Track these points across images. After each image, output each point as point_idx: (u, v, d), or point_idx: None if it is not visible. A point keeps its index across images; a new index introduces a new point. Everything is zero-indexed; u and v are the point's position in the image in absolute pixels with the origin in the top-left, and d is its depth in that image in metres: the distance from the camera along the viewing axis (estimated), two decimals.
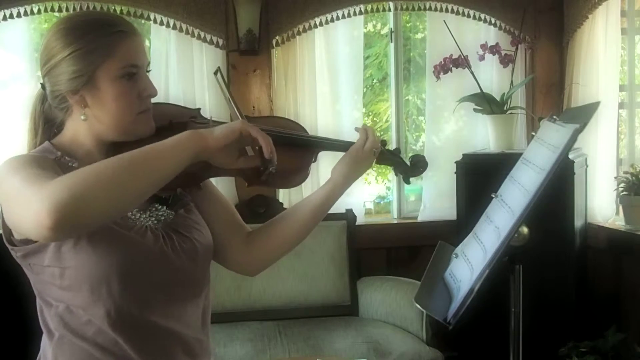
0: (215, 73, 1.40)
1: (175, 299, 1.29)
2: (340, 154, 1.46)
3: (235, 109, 1.37)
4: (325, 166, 3.45)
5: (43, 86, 1.29)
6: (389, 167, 1.58)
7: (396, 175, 1.57)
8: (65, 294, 1.22)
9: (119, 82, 1.23)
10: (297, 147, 1.41)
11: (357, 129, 1.46)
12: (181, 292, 1.30)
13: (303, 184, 1.49)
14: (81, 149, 1.28)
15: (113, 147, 1.30)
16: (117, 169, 1.06)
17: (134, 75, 1.25)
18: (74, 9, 3.46)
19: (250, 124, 1.20)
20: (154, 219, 1.30)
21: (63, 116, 1.28)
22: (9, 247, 1.23)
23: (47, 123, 1.31)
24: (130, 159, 1.08)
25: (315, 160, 1.44)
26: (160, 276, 1.26)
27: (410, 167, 1.55)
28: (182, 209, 1.35)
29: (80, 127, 1.27)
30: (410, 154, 4.11)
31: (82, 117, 1.25)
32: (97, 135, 1.27)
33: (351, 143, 1.45)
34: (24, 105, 3.58)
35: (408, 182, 1.58)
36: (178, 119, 1.34)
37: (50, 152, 1.25)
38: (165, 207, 1.32)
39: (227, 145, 1.17)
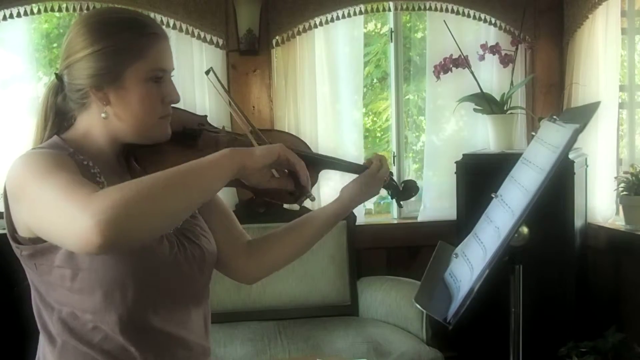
0: (207, 73, 1.39)
1: (181, 306, 1.28)
2: (343, 173, 1.48)
3: (237, 109, 1.37)
4: (326, 183, 3.46)
5: (59, 78, 1.25)
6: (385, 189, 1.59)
7: (391, 198, 1.60)
8: (73, 297, 1.19)
9: (146, 84, 1.22)
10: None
11: (370, 160, 1.46)
12: (187, 298, 1.30)
13: None
14: (93, 146, 1.25)
15: (127, 149, 1.29)
16: (169, 185, 1.03)
17: (160, 79, 1.24)
18: (74, 9, 3.46)
19: (288, 149, 1.21)
20: None
21: (77, 111, 1.25)
22: (14, 244, 1.20)
23: (58, 116, 1.28)
24: (180, 174, 1.06)
25: (316, 180, 1.45)
26: (171, 283, 1.25)
27: (401, 192, 1.58)
28: None
29: (96, 125, 1.24)
30: (410, 154, 4.13)
31: (103, 115, 1.22)
32: (113, 134, 1.25)
33: (357, 165, 1.47)
34: (24, 105, 3.60)
35: (400, 206, 1.61)
36: (190, 126, 1.35)
37: (61, 148, 1.22)
38: None
39: (263, 166, 1.18)
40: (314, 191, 1.44)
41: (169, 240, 1.25)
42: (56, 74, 1.27)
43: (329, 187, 3.48)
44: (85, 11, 3.42)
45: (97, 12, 1.29)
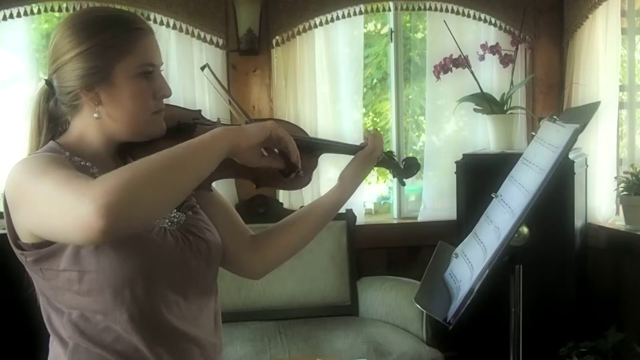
0: (203, 69, 1.39)
1: (191, 302, 1.28)
2: (340, 156, 1.48)
3: (235, 104, 1.37)
4: (325, 172, 3.47)
5: (49, 83, 1.25)
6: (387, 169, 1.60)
7: (393, 176, 1.61)
8: (82, 300, 1.18)
9: (136, 80, 1.21)
10: (301, 150, 1.42)
11: (366, 138, 1.47)
12: (196, 294, 1.29)
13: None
14: (89, 149, 1.24)
15: (122, 148, 1.28)
16: (164, 165, 1.04)
17: (150, 74, 1.23)
18: (74, 9, 3.46)
19: (279, 126, 1.22)
20: (167, 221, 1.28)
21: (70, 114, 1.25)
22: (18, 252, 1.19)
23: (51, 121, 1.27)
24: (174, 155, 1.06)
25: (317, 164, 1.46)
26: (179, 278, 1.25)
27: (403, 170, 1.59)
28: (189, 210, 1.34)
29: (90, 126, 1.24)
30: (410, 154, 4.13)
31: (95, 115, 1.21)
32: (108, 134, 1.24)
33: (354, 146, 1.47)
34: (24, 106, 3.60)
35: (403, 184, 1.63)
36: (184, 121, 1.34)
37: (58, 152, 1.21)
38: (175, 209, 1.32)
39: (256, 144, 1.18)
40: (315, 175, 1.45)
41: (173, 236, 1.25)
42: (46, 80, 1.26)
43: (328, 180, 3.49)
44: None
45: (80, 13, 1.28)
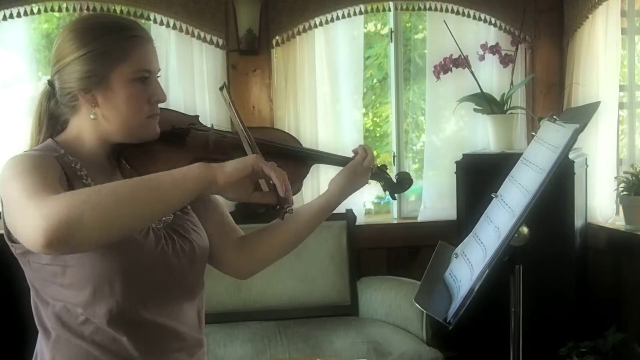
0: (221, 89, 1.40)
1: (173, 299, 1.31)
2: (335, 168, 1.50)
3: (242, 126, 1.35)
4: (325, 173, 3.47)
5: (51, 83, 1.30)
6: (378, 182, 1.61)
7: (384, 190, 1.61)
8: (65, 292, 1.23)
9: (131, 85, 1.26)
10: (293, 160, 1.44)
11: (355, 150, 1.50)
12: (179, 292, 1.32)
13: (303, 189, 1.52)
14: (85, 148, 1.29)
15: (117, 149, 1.33)
16: (120, 197, 1.06)
17: (146, 80, 1.27)
18: (74, 9, 3.46)
19: (264, 160, 1.19)
20: None
21: (69, 114, 1.30)
22: (10, 244, 1.24)
23: (51, 120, 1.32)
24: (135, 188, 1.08)
25: (307, 173, 1.47)
26: (161, 276, 1.28)
27: (396, 184, 1.59)
28: (179, 210, 1.36)
29: (86, 126, 1.29)
30: (410, 154, 4.13)
31: (92, 117, 1.27)
32: (102, 135, 1.29)
33: (346, 158, 1.49)
34: (24, 105, 3.60)
35: (394, 198, 1.63)
36: (179, 125, 1.37)
37: (53, 150, 1.26)
38: None
39: (238, 180, 1.18)
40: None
41: (155, 235, 1.28)
42: (48, 80, 1.31)
43: (328, 180, 3.49)
44: (85, 11, 3.43)
45: (83, 18, 1.34)
